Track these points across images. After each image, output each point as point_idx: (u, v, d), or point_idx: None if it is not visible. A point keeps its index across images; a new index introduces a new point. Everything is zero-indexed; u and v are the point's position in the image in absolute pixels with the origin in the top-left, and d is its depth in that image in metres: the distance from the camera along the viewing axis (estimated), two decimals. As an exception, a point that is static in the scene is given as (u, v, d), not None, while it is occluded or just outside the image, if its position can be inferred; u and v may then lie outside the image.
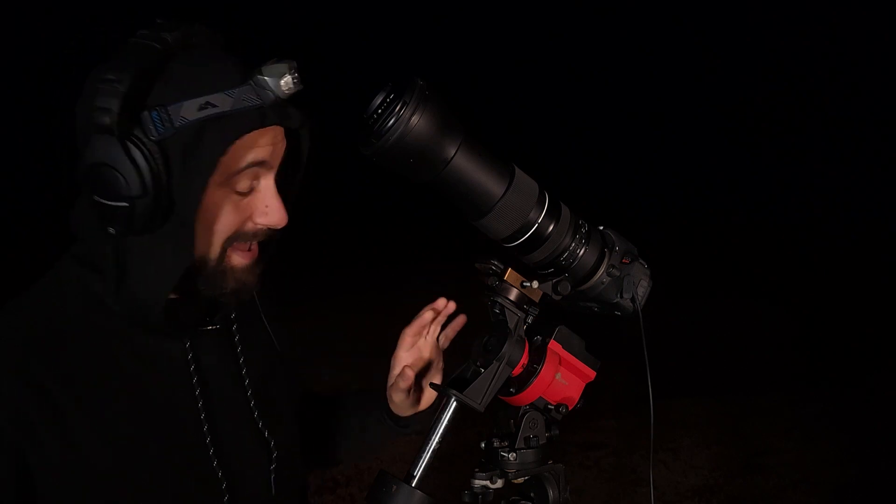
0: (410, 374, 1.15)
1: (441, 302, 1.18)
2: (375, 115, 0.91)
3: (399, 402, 1.19)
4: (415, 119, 0.89)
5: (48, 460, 0.94)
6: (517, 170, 1.00)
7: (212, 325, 1.08)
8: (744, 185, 11.08)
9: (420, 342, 1.20)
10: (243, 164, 0.95)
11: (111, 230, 0.93)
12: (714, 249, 9.19)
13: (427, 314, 1.18)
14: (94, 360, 0.99)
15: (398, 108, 0.89)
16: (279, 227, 1.01)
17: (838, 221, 9.40)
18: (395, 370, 1.20)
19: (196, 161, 0.91)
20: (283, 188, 1.04)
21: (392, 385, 1.19)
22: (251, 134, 0.94)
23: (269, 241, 1.07)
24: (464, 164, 0.95)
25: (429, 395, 1.23)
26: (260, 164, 0.97)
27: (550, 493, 1.07)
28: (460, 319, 1.21)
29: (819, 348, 6.02)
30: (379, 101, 0.92)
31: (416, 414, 1.24)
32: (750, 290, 7.65)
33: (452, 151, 0.94)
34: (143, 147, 0.89)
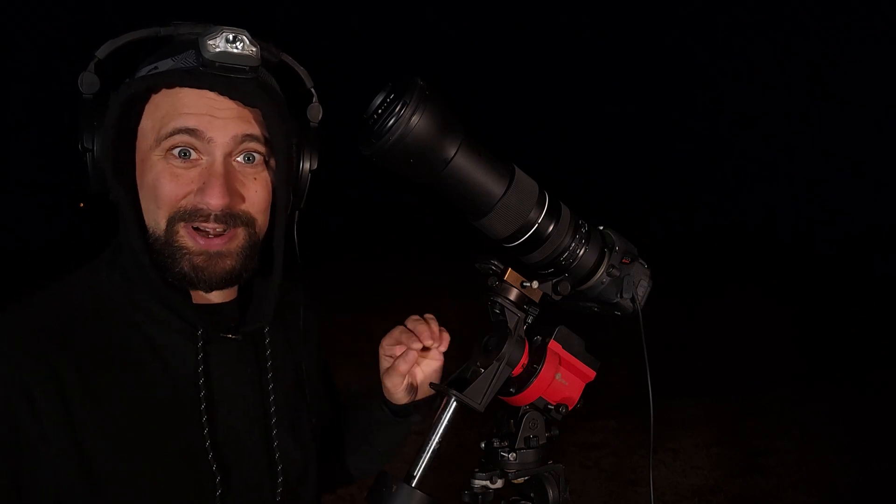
0: (403, 369, 1.13)
1: (411, 320, 1.14)
2: (375, 115, 0.91)
3: (392, 388, 1.17)
4: (415, 119, 0.89)
5: (45, 441, 0.93)
6: (517, 170, 1.00)
7: (231, 335, 1.06)
8: (744, 184, 11.08)
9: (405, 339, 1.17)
10: (170, 128, 0.96)
11: (89, 188, 0.99)
12: (714, 249, 9.19)
13: (395, 333, 1.15)
14: (111, 351, 1.00)
15: (398, 108, 0.89)
16: (213, 209, 0.97)
17: (839, 221, 9.40)
18: (384, 360, 1.18)
19: (110, 110, 0.95)
20: (279, 182, 1.04)
21: (386, 371, 1.16)
22: (182, 98, 0.95)
23: (268, 243, 1.06)
24: (464, 164, 0.95)
25: (427, 379, 1.19)
26: (189, 131, 0.96)
27: (550, 493, 1.07)
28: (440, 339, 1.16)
29: (819, 348, 6.02)
30: (379, 101, 0.92)
31: (412, 403, 1.20)
32: (750, 290, 7.65)
33: (452, 151, 0.93)
34: (102, 107, 0.96)
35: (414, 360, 1.13)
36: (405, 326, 1.15)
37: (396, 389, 1.16)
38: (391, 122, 0.88)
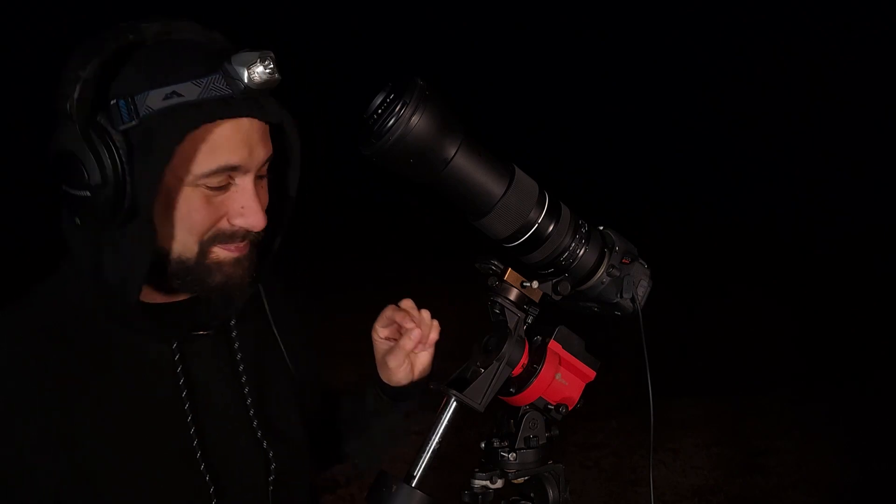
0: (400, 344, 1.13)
1: (407, 303, 1.14)
2: (375, 115, 0.91)
3: (395, 367, 1.16)
4: (415, 119, 0.89)
5: (35, 445, 0.94)
6: (517, 170, 1.00)
7: (203, 332, 1.06)
8: (744, 184, 11.08)
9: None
10: (213, 166, 0.93)
11: (77, 221, 0.93)
12: (714, 249, 9.19)
13: (388, 313, 1.15)
14: (86, 362, 0.99)
15: (398, 108, 0.89)
16: (256, 230, 0.98)
17: (839, 221, 9.40)
18: (381, 343, 1.18)
19: (153, 150, 0.88)
20: (278, 189, 1.05)
21: (389, 352, 1.16)
22: (223, 133, 0.92)
23: (266, 242, 1.07)
24: (464, 164, 0.95)
25: (421, 363, 1.19)
26: (232, 168, 0.94)
27: (550, 493, 1.07)
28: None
29: (819, 347, 6.02)
30: (379, 101, 0.92)
31: (411, 384, 1.19)
32: (750, 289, 7.65)
33: (452, 151, 0.93)
34: (105, 135, 0.88)
35: (419, 338, 1.12)
36: (396, 305, 1.15)
37: (399, 369, 1.16)
38: (391, 122, 0.89)
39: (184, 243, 0.97)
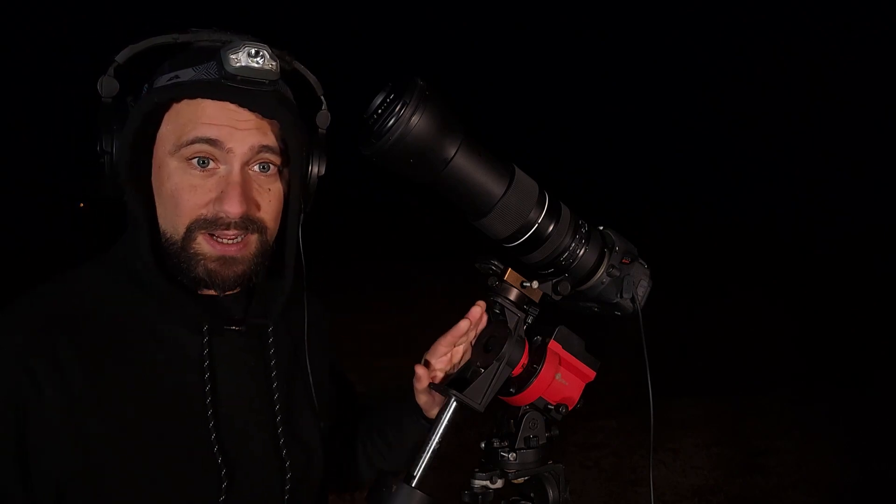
0: (421, 374, 1.12)
1: (476, 311, 1.11)
2: (375, 116, 0.91)
3: (425, 403, 1.17)
4: (415, 119, 0.89)
5: (47, 424, 0.95)
6: (517, 170, 1.00)
7: (235, 327, 1.07)
8: (744, 184, 11.09)
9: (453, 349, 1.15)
10: (191, 136, 0.97)
11: (104, 190, 1.00)
12: (714, 249, 9.19)
13: (463, 324, 1.11)
14: (114, 341, 1.01)
15: (398, 108, 0.89)
16: (233, 216, 0.99)
17: (839, 221, 9.41)
18: (421, 375, 1.15)
19: (128, 117, 0.97)
20: (291, 188, 1.05)
21: (417, 389, 1.16)
22: (204, 108, 0.97)
23: (278, 250, 1.07)
24: (464, 164, 0.95)
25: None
26: (210, 141, 0.98)
27: (550, 493, 1.07)
28: (483, 321, 1.14)
29: (819, 348, 6.02)
30: (379, 101, 0.92)
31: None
32: (750, 290, 7.66)
33: (452, 151, 0.93)
34: (119, 113, 0.98)
35: (425, 382, 1.12)
36: (448, 338, 1.12)
37: (431, 405, 1.16)
38: (391, 122, 0.89)
39: (172, 224, 1.00)
